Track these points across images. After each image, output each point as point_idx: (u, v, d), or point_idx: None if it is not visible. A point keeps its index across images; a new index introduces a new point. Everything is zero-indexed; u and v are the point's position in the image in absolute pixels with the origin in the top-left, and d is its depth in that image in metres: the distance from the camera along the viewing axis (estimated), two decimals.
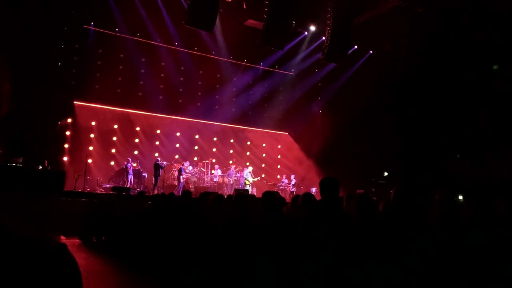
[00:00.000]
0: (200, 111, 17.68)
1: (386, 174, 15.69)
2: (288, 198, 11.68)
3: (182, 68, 17.08)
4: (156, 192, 13.67)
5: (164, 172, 15.01)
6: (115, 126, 16.28)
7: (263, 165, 19.43)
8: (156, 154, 16.21)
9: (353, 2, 14.23)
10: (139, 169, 15.25)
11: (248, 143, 19.40)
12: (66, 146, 14.77)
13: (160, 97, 16.77)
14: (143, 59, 16.11)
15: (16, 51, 11.68)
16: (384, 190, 12.64)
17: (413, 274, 2.55)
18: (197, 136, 18.03)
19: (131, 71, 15.98)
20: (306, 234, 3.23)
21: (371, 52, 17.41)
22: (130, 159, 14.84)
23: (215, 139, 18.54)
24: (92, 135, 15.62)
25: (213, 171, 16.75)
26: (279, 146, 20.21)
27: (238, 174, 16.27)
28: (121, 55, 15.75)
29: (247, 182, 15.79)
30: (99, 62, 15.24)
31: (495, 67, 13.19)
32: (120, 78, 15.88)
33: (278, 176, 18.52)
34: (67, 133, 14.87)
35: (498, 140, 12.27)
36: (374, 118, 15.64)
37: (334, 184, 3.35)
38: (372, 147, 15.48)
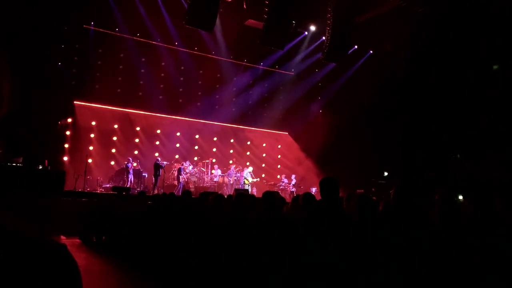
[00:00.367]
0: (200, 111, 17.68)
1: (386, 174, 15.70)
2: (288, 198, 11.68)
3: (182, 68, 17.08)
4: (156, 192, 13.68)
5: (164, 172, 15.02)
6: (115, 126, 16.28)
7: (263, 165, 19.44)
8: (156, 154, 16.21)
9: (353, 2, 14.23)
10: (139, 169, 15.26)
11: (248, 143, 19.40)
12: (66, 146, 14.77)
13: (160, 97, 16.77)
14: (143, 59, 16.10)
15: (16, 51, 11.69)
16: (384, 190, 12.63)
17: (413, 274, 2.55)
18: (197, 136, 18.04)
19: (131, 71, 15.98)
20: (306, 234, 3.23)
21: (371, 52, 17.41)
22: (130, 159, 14.85)
23: (215, 139, 18.54)
24: (92, 135, 15.62)
25: (213, 171, 16.75)
26: (279, 146, 20.22)
27: (238, 174, 16.28)
28: (121, 55, 15.75)
29: (246, 182, 15.80)
30: (99, 62, 15.23)
31: (495, 67, 13.19)
32: (120, 78, 15.88)
33: (278, 176, 18.52)
34: (67, 133, 14.88)
35: (498, 140, 12.27)
36: (374, 118, 15.64)
37: (334, 184, 3.35)
38: (372, 147, 15.48)
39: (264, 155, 19.86)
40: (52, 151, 13.22)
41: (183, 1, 13.76)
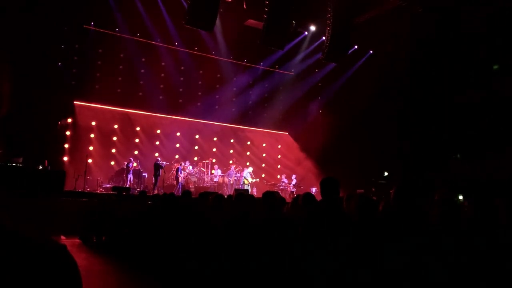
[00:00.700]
0: (200, 111, 17.68)
1: (386, 174, 15.71)
2: (288, 198, 11.69)
3: (182, 68, 17.08)
4: (156, 192, 13.69)
5: (164, 172, 15.03)
6: (115, 126, 16.28)
7: (263, 165, 19.45)
8: (156, 154, 16.21)
9: (353, 2, 14.23)
10: (139, 169, 15.26)
11: (248, 143, 19.41)
12: (66, 146, 14.77)
13: (160, 97, 16.78)
14: (143, 59, 16.10)
15: (16, 51, 11.70)
16: (384, 190, 12.65)
17: (413, 274, 2.55)
18: (197, 136, 18.04)
19: (131, 71, 15.97)
20: (306, 234, 3.23)
21: (371, 52, 17.42)
22: (131, 159, 14.86)
23: (215, 139, 18.54)
24: (92, 135, 15.62)
25: (213, 171, 16.75)
26: (279, 146, 20.22)
27: (238, 174, 16.28)
28: (121, 55, 15.75)
29: (246, 182, 15.80)
30: (99, 62, 15.23)
31: (495, 67, 13.19)
32: (120, 78, 15.88)
33: (278, 176, 18.52)
34: (67, 133, 14.88)
35: (498, 140, 12.28)
36: (374, 118, 15.65)
37: (334, 184, 3.35)
38: (372, 147, 15.48)
39: (264, 155, 19.87)
40: (52, 151, 13.22)
41: (183, 1, 13.76)
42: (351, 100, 16.71)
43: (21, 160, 11.03)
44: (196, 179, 16.36)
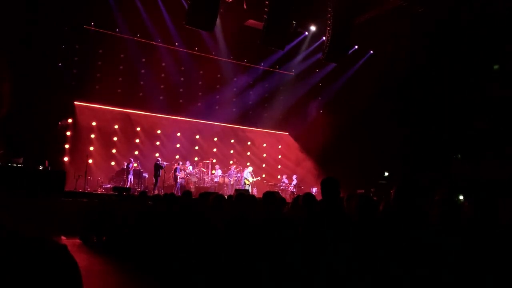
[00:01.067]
0: (200, 111, 17.68)
1: (386, 174, 15.70)
2: (288, 198, 11.69)
3: (183, 68, 17.07)
4: (156, 192, 13.69)
5: (165, 172, 15.04)
6: (116, 126, 16.28)
7: (263, 165, 19.45)
8: (157, 154, 16.21)
9: (353, 2, 14.24)
10: (139, 169, 15.26)
11: (249, 143, 19.41)
12: (66, 146, 14.77)
13: (161, 97, 16.78)
14: (143, 59, 16.10)
15: (16, 51, 11.69)
16: (384, 190, 12.64)
17: (413, 275, 2.55)
18: (197, 136, 18.04)
19: (131, 71, 15.97)
20: (306, 234, 3.23)
21: (371, 52, 17.42)
22: (131, 160, 14.87)
23: (215, 139, 18.54)
24: (92, 135, 15.62)
25: (213, 171, 16.75)
26: (279, 146, 20.22)
27: (239, 174, 16.28)
28: (122, 55, 15.74)
29: (246, 182, 15.80)
30: (99, 62, 15.22)
31: (495, 67, 13.19)
32: (120, 78, 15.87)
33: (279, 176, 18.52)
34: (68, 133, 14.88)
35: (498, 140, 12.28)
36: (374, 118, 15.65)
37: (334, 184, 3.36)
38: (372, 147, 15.48)
39: (264, 155, 19.87)
40: (52, 152, 13.22)
41: (183, 1, 13.76)
42: (351, 100, 16.71)
43: (21, 160, 11.03)
44: (197, 179, 16.35)
